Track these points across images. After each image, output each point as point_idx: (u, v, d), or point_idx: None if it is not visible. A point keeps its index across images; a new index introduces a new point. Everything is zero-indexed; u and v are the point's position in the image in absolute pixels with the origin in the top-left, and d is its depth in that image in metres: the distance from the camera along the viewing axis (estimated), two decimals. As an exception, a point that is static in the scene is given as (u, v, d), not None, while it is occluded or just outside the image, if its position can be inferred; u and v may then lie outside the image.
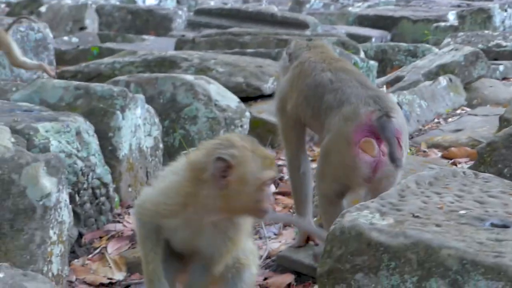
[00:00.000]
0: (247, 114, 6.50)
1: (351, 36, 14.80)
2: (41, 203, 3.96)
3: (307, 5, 21.81)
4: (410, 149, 6.67)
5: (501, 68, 10.23)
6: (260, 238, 5.05)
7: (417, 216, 3.06)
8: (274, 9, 18.45)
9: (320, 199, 4.21)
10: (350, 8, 20.04)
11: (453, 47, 9.84)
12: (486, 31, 12.33)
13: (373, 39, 14.96)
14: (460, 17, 14.35)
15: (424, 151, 6.69)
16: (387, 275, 2.83)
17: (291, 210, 5.50)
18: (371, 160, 3.85)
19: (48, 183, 4.00)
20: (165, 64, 8.00)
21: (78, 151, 4.81)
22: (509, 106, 6.24)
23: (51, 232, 4.04)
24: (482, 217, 3.10)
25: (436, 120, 7.85)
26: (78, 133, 4.86)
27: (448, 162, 6.30)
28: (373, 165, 3.86)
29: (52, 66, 9.90)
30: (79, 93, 5.38)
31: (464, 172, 3.80)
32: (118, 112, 5.29)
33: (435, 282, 2.73)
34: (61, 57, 11.92)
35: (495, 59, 10.77)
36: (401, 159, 3.80)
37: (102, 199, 5.02)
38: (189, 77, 6.43)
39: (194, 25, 15.37)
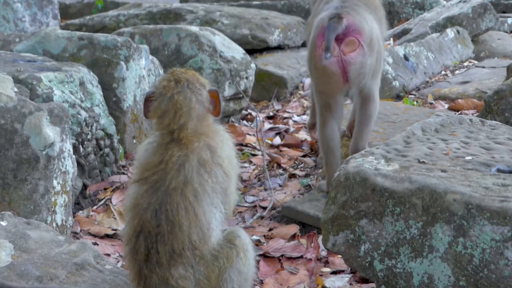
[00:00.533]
0: (253, 66, 6.45)
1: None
2: (44, 152, 3.93)
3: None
4: (417, 101, 6.63)
5: (509, 20, 10.11)
6: (265, 189, 5.04)
7: (423, 162, 3.03)
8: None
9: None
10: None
11: (461, -1, 9.73)
12: (495, -17, 12.18)
13: (382, -7, 14.79)
14: (468, -30, 14.16)
15: (431, 103, 6.65)
16: (391, 220, 2.81)
17: (296, 162, 5.48)
18: (333, 59, 4.12)
19: (51, 132, 3.97)
20: (170, 16, 7.94)
21: (81, 101, 4.77)
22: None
23: (54, 182, 4.02)
24: (488, 163, 3.07)
25: (443, 72, 7.78)
26: (81, 84, 4.82)
27: (455, 113, 6.26)
28: (339, 64, 4.15)
29: (56, 20, 9.82)
30: (83, 43, 5.33)
31: (470, 120, 3.76)
32: (122, 63, 5.24)
33: (440, 228, 2.71)
34: (65, 11, 11.83)
35: (504, 12, 10.65)
36: (330, 52, 4.04)
37: (107, 150, 4.99)
38: (194, 28, 6.37)
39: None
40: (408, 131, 3.48)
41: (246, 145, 5.81)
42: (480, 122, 3.73)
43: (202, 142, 2.84)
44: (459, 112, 6.30)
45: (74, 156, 4.31)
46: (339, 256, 3.86)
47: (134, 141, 5.41)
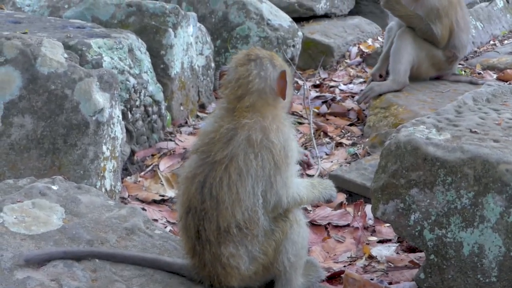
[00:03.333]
0: (300, 34, 6.41)
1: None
2: (94, 118, 3.96)
3: None
4: (465, 71, 6.55)
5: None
6: (312, 157, 5.02)
7: (475, 132, 2.99)
8: None
9: None
10: None
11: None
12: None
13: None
14: None
15: (479, 73, 6.56)
16: (442, 190, 2.79)
17: (343, 131, 5.46)
18: None
19: (101, 98, 3.99)
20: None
21: (130, 68, 4.78)
22: None
23: (104, 148, 4.05)
24: (541, 133, 3.02)
25: (491, 42, 7.68)
26: (130, 50, 4.83)
27: (504, 84, 6.18)
28: None
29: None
30: (131, 10, 5.34)
31: (522, 90, 3.70)
32: (170, 30, 5.24)
33: (491, 198, 2.68)
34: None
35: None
36: None
37: (154, 117, 5.01)
38: (242, -4, 6.34)
39: None
40: (459, 100, 3.44)
41: (293, 114, 5.79)
42: (532, 92, 3.68)
43: (255, 120, 2.71)
44: (508, 83, 6.21)
45: (123, 122, 4.33)
46: (386, 225, 3.85)
47: (181, 108, 5.43)
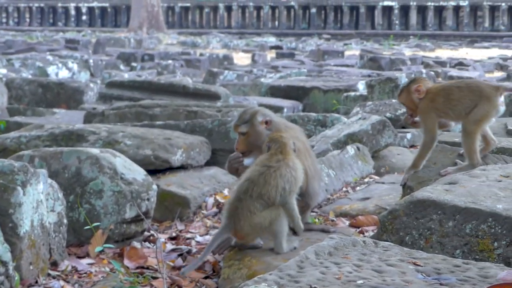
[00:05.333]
0: (154, 187, 6.44)
1: (263, 106, 14.90)
2: None
3: (221, 77, 21.94)
4: (318, 218, 6.70)
5: (408, 136, 10.40)
6: (166, 313, 4.96)
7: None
8: (187, 80, 18.55)
9: None
10: (262, 79, 20.24)
11: (361, 116, 9.99)
12: (394, 100, 12.55)
13: (285, 110, 15.09)
14: (369, 86, 14.58)
15: (333, 220, 6.72)
16: None
17: (197, 284, 5.44)
18: None
19: None
20: (72, 137, 7.91)
21: (-25, 229, 4.67)
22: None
23: None
24: (379, 286, 3.10)
25: (344, 189, 7.92)
26: (-25, 211, 4.73)
27: (356, 230, 6.35)
28: None
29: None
30: (-22, 169, 5.26)
31: (364, 241, 3.82)
32: (19, 188, 5.18)
33: None
34: (-33, 133, 11.68)
35: (403, 127, 10.95)
36: None
37: (1, 278, 4.87)
38: (95, 151, 6.36)
39: (106, 97, 15.27)
40: (301, 255, 3.51)
41: (147, 268, 5.75)
42: (373, 244, 3.80)
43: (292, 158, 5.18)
44: (360, 229, 6.38)
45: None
46: None
47: (31, 267, 5.30)
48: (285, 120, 6.53)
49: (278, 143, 5.24)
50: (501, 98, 5.93)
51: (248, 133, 5.79)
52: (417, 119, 6.21)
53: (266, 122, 5.80)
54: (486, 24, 56.09)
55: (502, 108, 5.99)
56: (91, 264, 5.78)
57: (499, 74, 26.29)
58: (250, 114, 5.86)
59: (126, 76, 22.16)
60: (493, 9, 56.55)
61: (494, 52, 37.76)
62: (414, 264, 3.51)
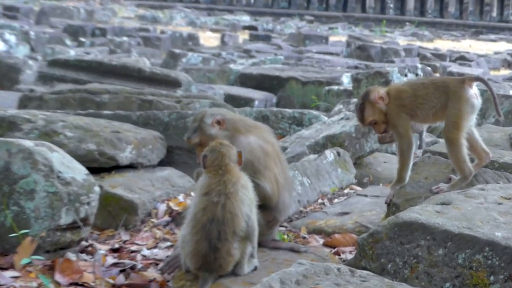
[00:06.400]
0: (97, 188, 6.36)
1: (230, 98, 14.90)
2: None
3: (184, 59, 21.90)
4: (288, 235, 6.67)
5: (397, 141, 10.40)
6: None
7: (276, 325, 3.00)
8: (144, 62, 18.46)
9: None
10: (232, 65, 20.18)
11: (343, 115, 9.97)
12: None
13: (256, 102, 15.10)
14: (355, 80, 14.58)
15: (304, 237, 6.69)
16: None
17: None
18: None
19: None
20: (3, 125, 7.80)
21: None
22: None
23: None
24: (353, 326, 3.07)
25: (320, 201, 7.90)
26: None
27: (331, 250, 6.32)
28: None
29: None
30: None
31: (338, 269, 3.79)
32: None
33: None
34: None
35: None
36: None
37: None
38: (28, 143, 6.25)
39: (46, 78, 15.14)
40: (264, 283, 3.47)
41: (82, 285, 5.67)
42: (349, 272, 3.77)
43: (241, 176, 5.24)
44: (335, 250, 6.36)
45: None
46: None
47: None
48: (246, 117, 6.50)
49: (215, 153, 5.27)
50: (471, 90, 5.96)
51: (202, 142, 5.77)
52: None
53: (218, 122, 5.79)
54: (494, 14, 56.56)
55: (477, 102, 6.00)
56: (16, 277, 5.68)
57: (506, 72, 26.54)
58: (198, 119, 5.86)
59: (72, 53, 22.04)
60: (503, -4, 57.08)
61: (501, 46, 38.12)
62: (396, 299, 3.48)
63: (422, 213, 4.62)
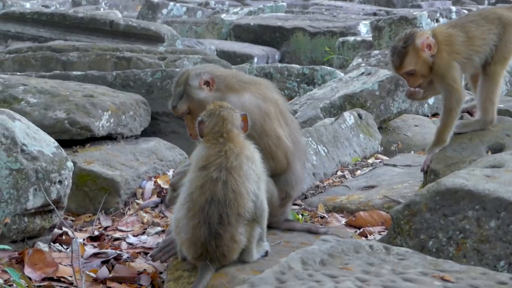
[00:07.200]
0: (69, 164, 6.38)
1: (224, 55, 14.87)
2: None
3: (164, 10, 21.87)
4: (303, 214, 6.68)
5: (430, 100, 10.43)
6: None
7: (301, 311, 3.04)
8: (116, 15, 18.43)
9: None
10: (223, 16, 20.15)
11: (364, 70, 9.99)
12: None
13: (255, 60, 15.12)
14: (376, 28, 14.59)
15: (322, 217, 6.71)
16: None
17: None
18: None
19: None
20: (-47, 91, 7.85)
21: None
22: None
23: None
24: (393, 311, 3.10)
25: (339, 173, 7.92)
26: None
27: (355, 232, 6.35)
28: None
29: None
30: None
31: (371, 246, 3.81)
32: None
33: None
34: None
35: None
36: None
37: None
38: (-17, 111, 6.29)
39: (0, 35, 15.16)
40: (283, 264, 3.50)
41: (58, 280, 5.71)
42: (384, 250, 3.79)
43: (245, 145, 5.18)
44: (361, 230, 6.38)
45: None
46: None
47: None
48: (241, 72, 6.45)
49: (214, 118, 5.19)
50: None
51: (191, 109, 5.73)
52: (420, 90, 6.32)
53: (207, 83, 5.77)
54: None
55: None
56: (-22, 272, 5.73)
57: None
58: (182, 83, 5.83)
59: (28, 5, 21.99)
60: None
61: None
62: (442, 279, 3.51)
63: (469, 178, 4.62)
